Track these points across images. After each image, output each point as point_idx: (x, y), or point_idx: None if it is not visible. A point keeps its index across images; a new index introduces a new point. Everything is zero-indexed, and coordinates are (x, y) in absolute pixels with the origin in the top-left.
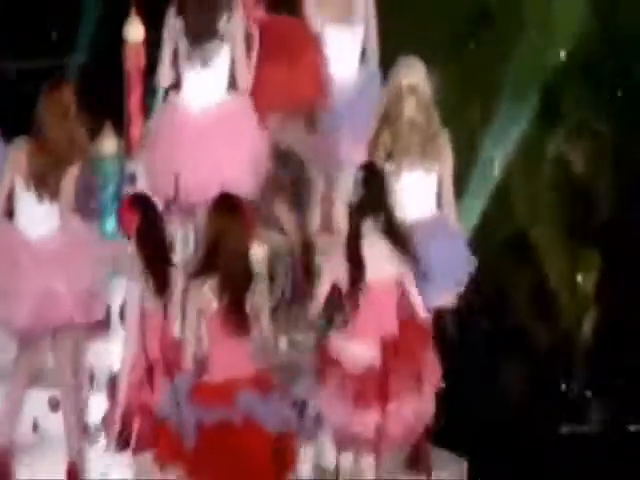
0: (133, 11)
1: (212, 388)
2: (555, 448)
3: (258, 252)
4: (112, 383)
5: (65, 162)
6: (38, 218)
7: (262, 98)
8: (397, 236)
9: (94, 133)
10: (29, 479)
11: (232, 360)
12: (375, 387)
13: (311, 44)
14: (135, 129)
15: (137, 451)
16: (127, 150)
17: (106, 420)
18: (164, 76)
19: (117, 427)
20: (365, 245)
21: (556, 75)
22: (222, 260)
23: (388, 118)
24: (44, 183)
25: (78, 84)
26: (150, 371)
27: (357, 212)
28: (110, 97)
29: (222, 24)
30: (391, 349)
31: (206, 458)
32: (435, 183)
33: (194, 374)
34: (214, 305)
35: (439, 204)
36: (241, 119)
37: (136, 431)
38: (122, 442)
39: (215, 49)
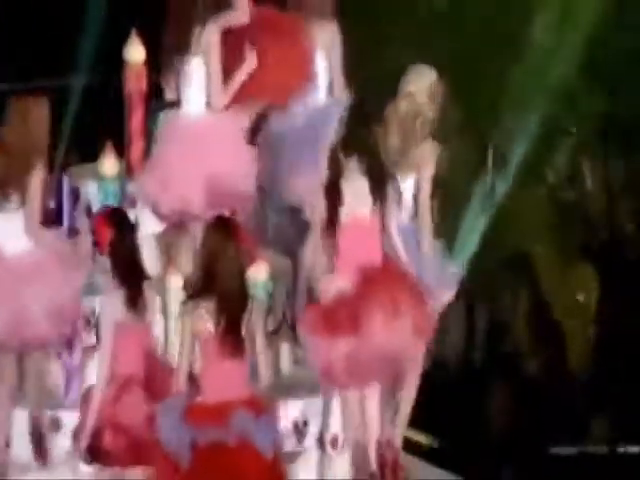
0: (134, 32)
1: (206, 409)
2: (553, 469)
3: (259, 273)
4: (85, 396)
5: (25, 166)
6: (9, 231)
7: (253, 89)
8: (377, 178)
9: (96, 154)
10: None
11: (226, 382)
12: (346, 312)
13: (300, 34)
14: (136, 150)
15: (107, 465)
16: (128, 171)
17: (76, 433)
18: (167, 90)
19: (86, 441)
20: (346, 183)
21: (559, 95)
22: (218, 282)
23: (384, 120)
24: (4, 190)
25: (79, 105)
26: (125, 387)
27: (340, 151)
28: (111, 118)
29: (195, 39)
30: (364, 276)
31: (201, 478)
32: (411, 192)
33: (188, 395)
34: (209, 327)
35: (415, 215)
36: (216, 136)
37: (107, 446)
38: (91, 456)
39: (183, 64)
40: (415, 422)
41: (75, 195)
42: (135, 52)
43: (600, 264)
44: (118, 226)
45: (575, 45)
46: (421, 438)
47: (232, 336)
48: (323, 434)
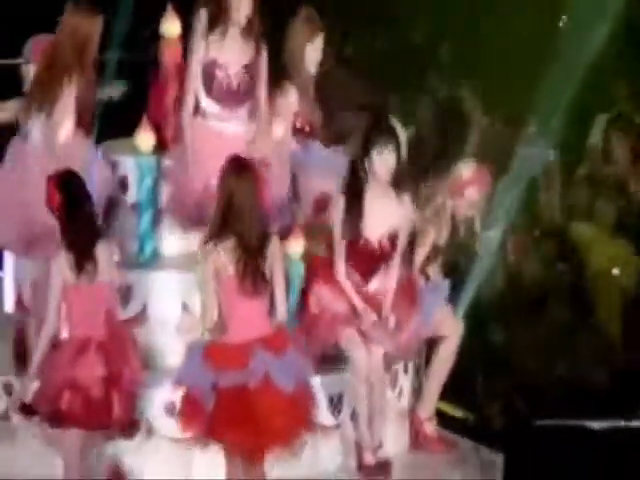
0: (169, 6)
1: (226, 350)
2: (593, 445)
3: (296, 248)
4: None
5: (62, 78)
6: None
7: None
8: None
9: (132, 128)
10: None
11: (248, 321)
12: None
13: None
14: (171, 125)
15: (68, 427)
16: (163, 145)
17: (35, 399)
18: None
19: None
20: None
21: (597, 67)
22: (236, 221)
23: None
24: (40, 92)
25: (116, 79)
26: (81, 349)
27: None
28: (148, 92)
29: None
30: None
31: (224, 420)
32: None
33: (211, 337)
34: (229, 267)
35: None
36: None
37: (66, 407)
38: (51, 418)
39: None
40: (450, 396)
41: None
42: (171, 27)
43: (636, 239)
44: (67, 190)
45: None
46: (456, 412)
47: (251, 275)
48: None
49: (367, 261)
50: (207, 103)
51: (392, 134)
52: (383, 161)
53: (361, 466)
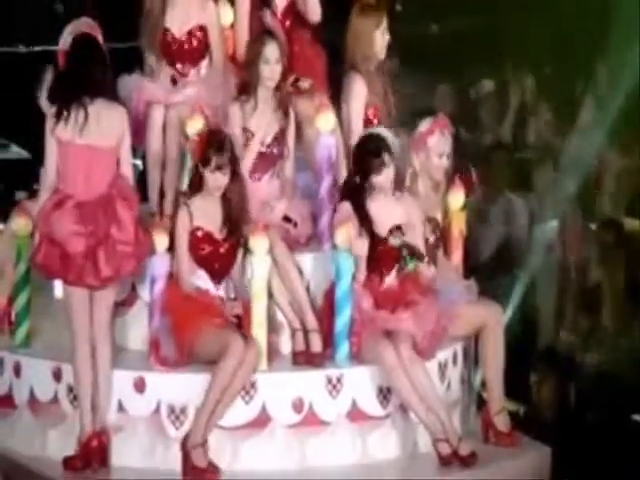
0: None
1: None
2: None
3: (343, 239)
4: None
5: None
6: None
7: None
8: None
9: None
10: None
11: None
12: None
13: None
14: None
15: (46, 277)
16: None
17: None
18: None
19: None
20: None
21: None
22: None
23: None
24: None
25: None
26: (59, 204)
27: None
28: None
29: None
30: None
31: None
32: None
33: None
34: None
35: None
36: None
37: (42, 258)
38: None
39: None
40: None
41: None
42: (223, 15)
43: None
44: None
45: None
46: (508, 405)
47: None
48: None
49: (378, 262)
50: None
51: (386, 149)
52: (383, 178)
53: (439, 456)
